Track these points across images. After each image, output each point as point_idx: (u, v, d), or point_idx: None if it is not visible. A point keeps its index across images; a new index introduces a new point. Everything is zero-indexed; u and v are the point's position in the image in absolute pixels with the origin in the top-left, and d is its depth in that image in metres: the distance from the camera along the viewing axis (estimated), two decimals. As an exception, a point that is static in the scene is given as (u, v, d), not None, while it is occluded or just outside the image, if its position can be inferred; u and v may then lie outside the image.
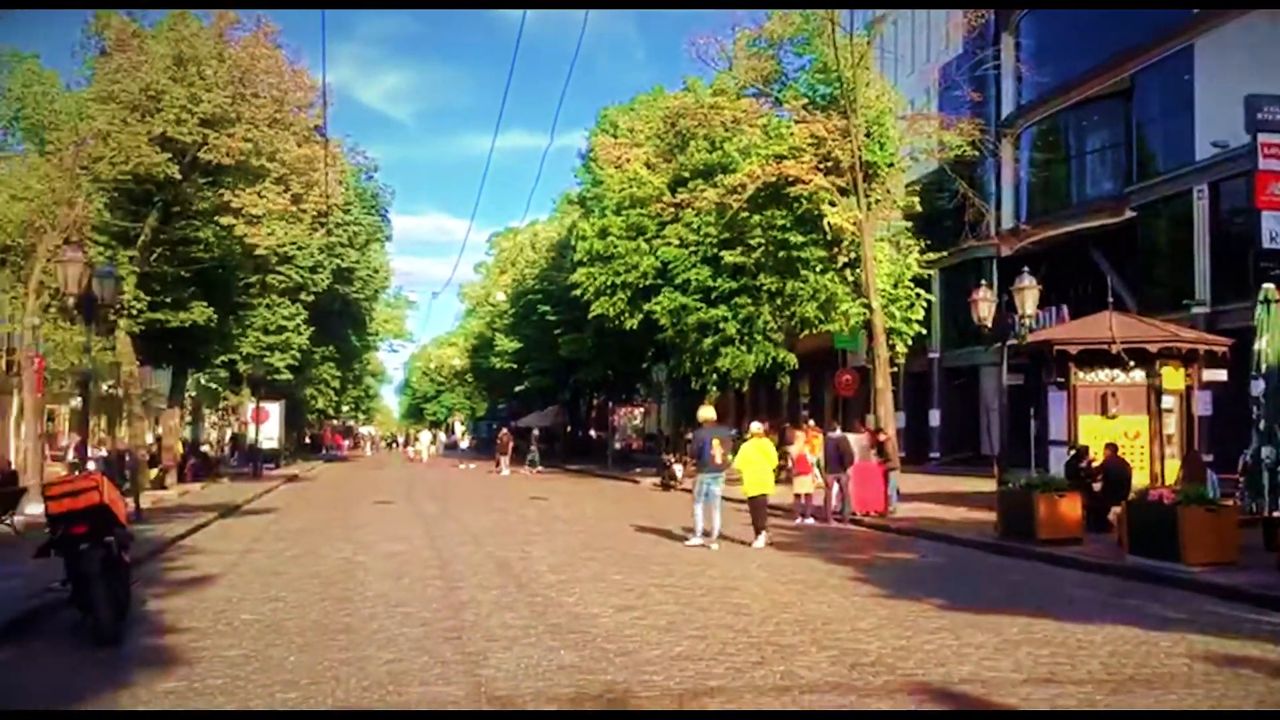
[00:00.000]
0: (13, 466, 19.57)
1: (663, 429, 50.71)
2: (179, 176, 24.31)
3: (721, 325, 32.41)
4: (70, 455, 33.39)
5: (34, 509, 17.32)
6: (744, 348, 32.59)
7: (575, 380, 53.64)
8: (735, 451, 17.76)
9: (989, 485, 21.13)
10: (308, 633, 9.64)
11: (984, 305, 19.86)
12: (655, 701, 7.19)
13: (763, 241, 29.79)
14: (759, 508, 16.98)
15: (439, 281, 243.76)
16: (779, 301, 30.98)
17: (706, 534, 16.42)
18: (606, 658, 8.48)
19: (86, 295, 16.77)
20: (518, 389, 65.11)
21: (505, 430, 51.55)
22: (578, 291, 37.84)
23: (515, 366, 60.64)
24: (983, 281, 24.19)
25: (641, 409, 63.62)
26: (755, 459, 17.27)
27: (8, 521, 16.71)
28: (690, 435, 22.09)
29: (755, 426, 18.70)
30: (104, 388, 32.13)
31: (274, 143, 25.74)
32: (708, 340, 32.71)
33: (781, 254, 29.23)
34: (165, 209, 25.90)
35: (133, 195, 25.13)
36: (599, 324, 38.10)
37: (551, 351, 49.86)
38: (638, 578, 13.02)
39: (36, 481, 19.51)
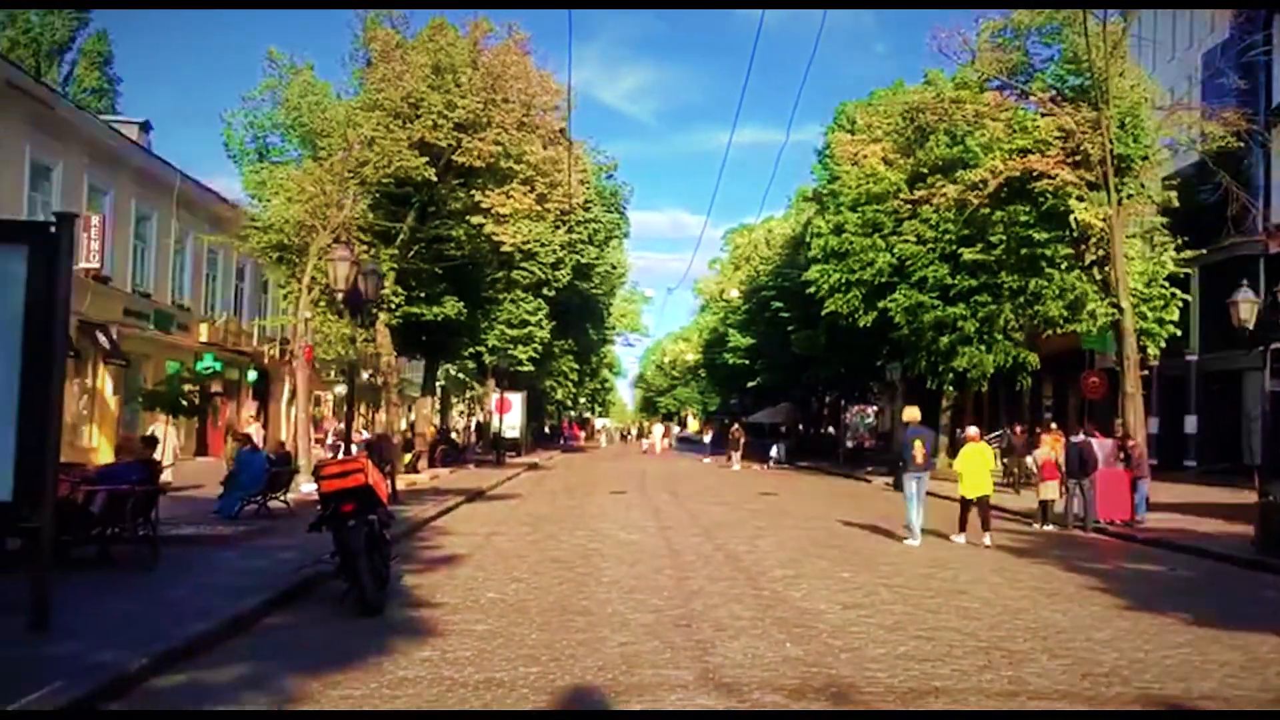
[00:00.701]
0: (287, 448, 21.30)
1: (896, 428, 49.84)
2: (435, 178, 25.70)
3: (959, 324, 31.65)
4: (329, 439, 36.05)
5: (307, 487, 18.89)
6: (983, 347, 31.73)
7: (807, 377, 53.39)
8: (938, 451, 18.05)
9: (1249, 497, 19.84)
10: (548, 613, 10.22)
11: (1245, 306, 18.71)
12: (879, 698, 7.31)
13: (1004, 238, 28.93)
14: (982, 508, 17.21)
15: (674, 276, 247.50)
16: (1021, 300, 29.99)
17: (909, 528, 16.90)
18: (831, 653, 8.63)
19: (353, 291, 18.11)
20: (750, 384, 65.38)
21: (737, 425, 51.96)
22: (811, 288, 37.71)
23: (747, 362, 60.91)
24: (1243, 281, 22.68)
25: (874, 407, 62.70)
26: (973, 462, 17.44)
27: (283, 498, 18.25)
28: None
29: (971, 430, 18.91)
30: (364, 376, 34.41)
31: (521, 145, 26.88)
32: (945, 339, 32.02)
33: (1024, 251, 28.31)
34: (422, 209, 27.46)
35: (393, 196, 26.78)
36: (832, 321, 37.83)
37: (784, 348, 49.81)
38: (865, 576, 13.06)
39: (306, 462, 21.24)
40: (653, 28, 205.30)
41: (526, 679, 7.66)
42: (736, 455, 46.00)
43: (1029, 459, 24.44)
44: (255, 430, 28.20)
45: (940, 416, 34.09)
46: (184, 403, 15.88)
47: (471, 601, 10.84)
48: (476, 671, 7.84)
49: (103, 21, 50.49)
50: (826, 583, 12.47)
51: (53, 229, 8.58)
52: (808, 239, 41.37)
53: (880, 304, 34.14)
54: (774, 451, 46.97)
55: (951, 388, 33.75)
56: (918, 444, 16.95)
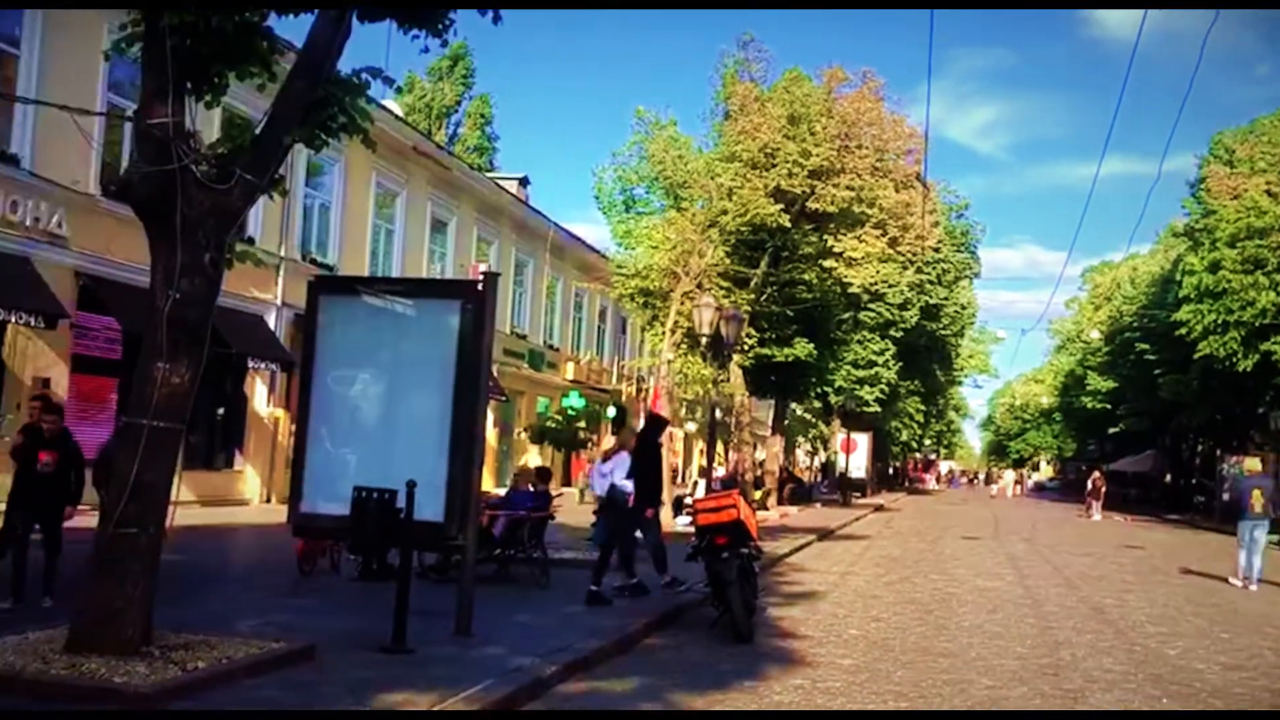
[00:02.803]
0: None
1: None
2: (789, 224, 26.44)
3: (1361, 370, 28.87)
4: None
5: (682, 520, 20.03)
6: (1389, 396, 28.73)
7: (1176, 424, 50.01)
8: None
9: None
10: (910, 652, 10.49)
11: None
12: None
13: None
14: None
15: (1025, 316, 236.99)
16: None
17: (1246, 578, 17.33)
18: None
19: (716, 335, 19.14)
20: (1110, 430, 61.95)
21: (1098, 473, 49.39)
22: (1182, 329, 35.54)
23: (1108, 407, 57.90)
24: None
25: (1257, 457, 57.63)
26: None
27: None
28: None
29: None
30: (717, 415, 35.69)
31: (874, 190, 27.12)
32: (1340, 385, 29.27)
33: None
34: (775, 254, 28.23)
35: (748, 242, 27.73)
36: (1205, 364, 35.46)
37: (1149, 392, 47.04)
38: (1248, 638, 12.37)
39: (666, 495, 22.44)
40: (1002, 60, 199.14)
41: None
42: (1097, 505, 43.78)
43: None
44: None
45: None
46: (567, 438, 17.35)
47: (834, 636, 11.28)
48: (848, 702, 8.27)
49: (485, 85, 55.71)
50: (1204, 642, 11.94)
51: (480, 286, 9.91)
52: (1178, 277, 39.04)
53: (1263, 346, 31.73)
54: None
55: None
56: (1256, 493, 17.68)
